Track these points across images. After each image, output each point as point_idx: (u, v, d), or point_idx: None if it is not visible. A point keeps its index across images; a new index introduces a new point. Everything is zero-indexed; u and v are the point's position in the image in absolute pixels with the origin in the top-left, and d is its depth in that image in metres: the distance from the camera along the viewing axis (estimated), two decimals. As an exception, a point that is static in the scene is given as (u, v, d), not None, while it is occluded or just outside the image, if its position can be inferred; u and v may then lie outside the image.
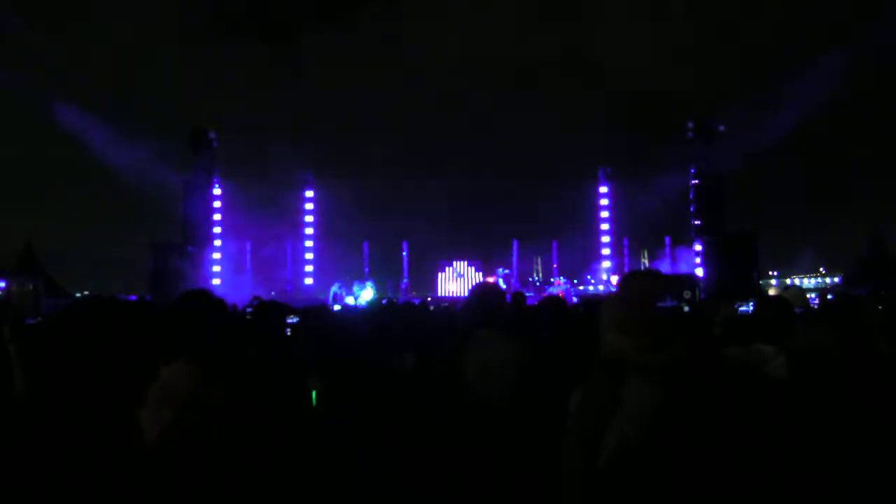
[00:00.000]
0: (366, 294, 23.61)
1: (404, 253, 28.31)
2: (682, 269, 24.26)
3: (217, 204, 25.49)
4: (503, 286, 24.72)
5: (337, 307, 19.39)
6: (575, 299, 18.32)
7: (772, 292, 20.47)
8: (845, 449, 1.76)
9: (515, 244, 28.01)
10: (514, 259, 27.91)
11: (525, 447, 2.29)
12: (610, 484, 1.72)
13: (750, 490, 1.60)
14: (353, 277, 25.27)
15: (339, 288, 23.44)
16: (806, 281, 31.94)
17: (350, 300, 23.09)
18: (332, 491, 2.02)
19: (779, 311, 4.12)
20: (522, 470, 2.14)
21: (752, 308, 4.64)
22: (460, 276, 28.51)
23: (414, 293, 27.40)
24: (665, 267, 24.69)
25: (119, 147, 22.86)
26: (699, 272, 23.47)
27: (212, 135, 24.94)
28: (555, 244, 27.65)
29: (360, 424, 2.17)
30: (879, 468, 1.73)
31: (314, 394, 3.11)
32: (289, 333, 4.63)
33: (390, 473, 1.93)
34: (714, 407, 1.71)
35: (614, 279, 25.96)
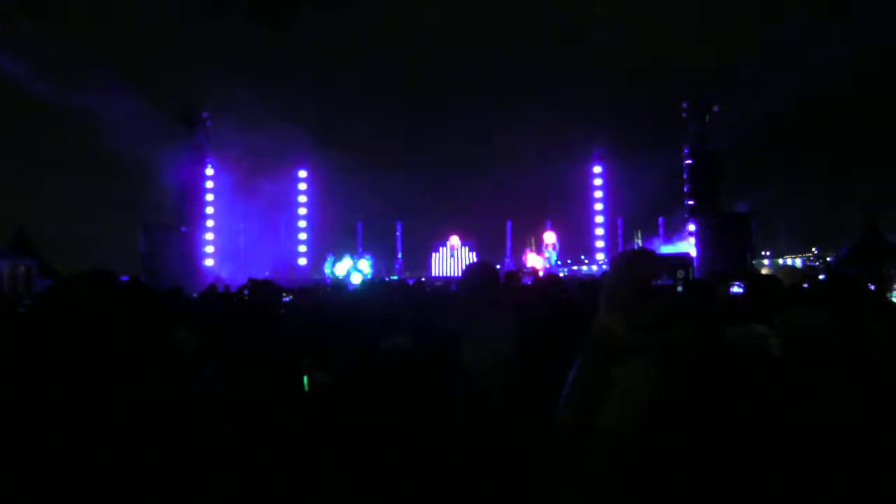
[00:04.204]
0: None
1: (398, 232, 28.29)
2: (676, 249, 24.30)
3: (210, 184, 25.33)
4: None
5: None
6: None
7: (764, 272, 20.53)
8: (842, 426, 1.76)
9: (509, 224, 28.01)
10: (508, 239, 27.91)
11: (522, 424, 2.29)
12: (607, 461, 1.72)
13: (749, 468, 1.60)
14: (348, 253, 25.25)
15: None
16: (798, 261, 32.01)
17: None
18: (326, 470, 2.01)
19: (770, 291, 4.13)
20: (521, 447, 2.14)
21: (743, 288, 4.65)
22: (454, 255, 28.51)
23: (408, 273, 27.41)
24: (658, 247, 24.73)
25: (112, 127, 22.68)
26: (692, 252, 23.50)
27: (204, 114, 24.74)
28: (549, 224, 27.63)
29: (354, 405, 2.16)
30: (876, 444, 1.74)
31: (305, 379, 3.10)
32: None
33: (387, 453, 1.93)
34: (712, 387, 1.71)
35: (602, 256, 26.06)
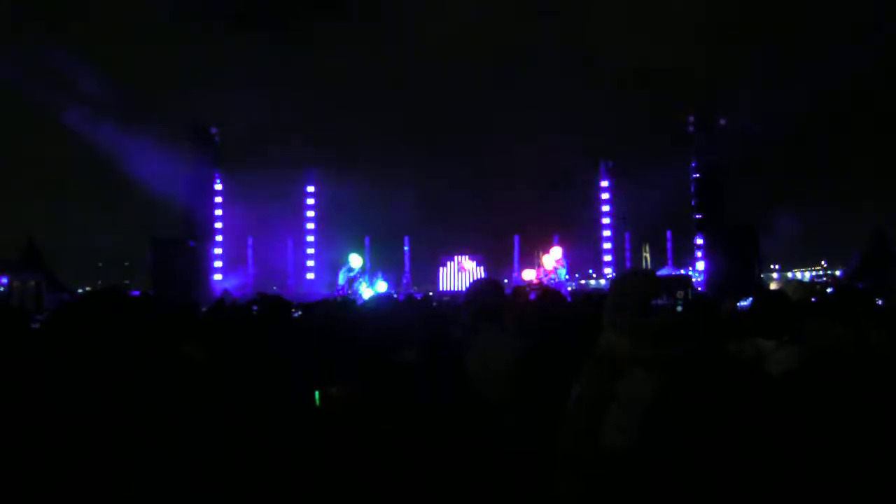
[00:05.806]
0: (378, 287, 23.28)
1: (406, 247, 28.31)
2: (683, 263, 24.27)
3: (218, 199, 25.47)
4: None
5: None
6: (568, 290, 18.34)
7: (773, 286, 20.44)
8: (845, 438, 1.78)
9: (517, 238, 28.00)
10: (516, 253, 27.89)
11: (525, 439, 2.31)
12: (609, 475, 1.74)
13: (749, 481, 1.62)
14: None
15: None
16: (807, 274, 31.90)
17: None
18: (334, 481, 2.04)
19: (778, 306, 4.13)
20: (523, 461, 2.16)
21: (751, 302, 4.66)
22: (462, 270, 28.51)
23: (415, 287, 27.42)
24: (665, 265, 24.72)
25: (121, 142, 22.84)
26: (700, 266, 23.47)
27: (213, 129, 24.90)
28: (556, 238, 27.60)
29: (363, 421, 2.18)
30: (882, 456, 1.75)
31: (317, 394, 3.12)
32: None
33: (390, 465, 1.95)
34: (714, 402, 1.73)
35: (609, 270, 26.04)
